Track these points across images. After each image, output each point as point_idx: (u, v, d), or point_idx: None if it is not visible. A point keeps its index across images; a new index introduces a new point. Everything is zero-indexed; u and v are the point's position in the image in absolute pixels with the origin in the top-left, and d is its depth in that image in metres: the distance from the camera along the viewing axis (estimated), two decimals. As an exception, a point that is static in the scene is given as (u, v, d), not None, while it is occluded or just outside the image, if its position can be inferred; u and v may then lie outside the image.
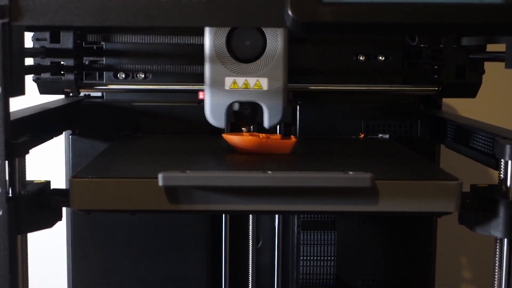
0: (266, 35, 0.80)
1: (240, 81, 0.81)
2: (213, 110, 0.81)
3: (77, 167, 0.91)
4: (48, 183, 0.66)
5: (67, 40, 0.92)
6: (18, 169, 0.61)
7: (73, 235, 0.92)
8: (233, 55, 0.81)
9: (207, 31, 0.80)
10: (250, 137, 0.77)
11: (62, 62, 0.93)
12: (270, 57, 0.81)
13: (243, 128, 0.85)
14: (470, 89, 0.94)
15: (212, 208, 0.63)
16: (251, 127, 0.86)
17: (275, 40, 0.80)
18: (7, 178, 0.59)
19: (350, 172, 0.60)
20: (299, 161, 0.77)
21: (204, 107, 0.82)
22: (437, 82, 0.95)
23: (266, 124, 0.82)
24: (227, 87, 0.81)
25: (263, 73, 0.81)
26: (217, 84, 0.81)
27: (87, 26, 0.59)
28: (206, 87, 0.81)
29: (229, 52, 0.81)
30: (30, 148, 0.64)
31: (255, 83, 0.81)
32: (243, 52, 0.81)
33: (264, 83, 0.81)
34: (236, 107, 0.83)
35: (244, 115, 0.84)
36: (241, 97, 0.81)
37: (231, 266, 0.94)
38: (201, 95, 0.84)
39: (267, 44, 0.80)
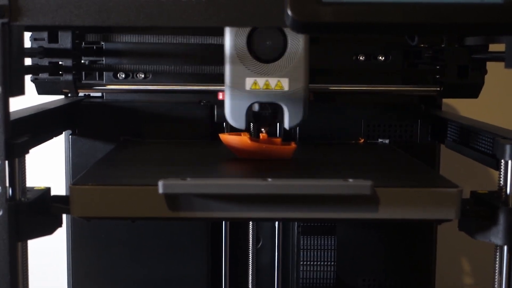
0: (287, 35, 0.79)
1: (261, 81, 0.79)
2: (234, 111, 0.80)
3: (77, 167, 0.91)
4: (48, 189, 0.66)
5: (65, 40, 0.91)
6: (18, 169, 0.61)
7: (73, 236, 0.92)
8: (254, 55, 0.79)
9: (227, 31, 0.79)
10: (250, 142, 0.77)
11: (60, 62, 0.92)
12: (291, 57, 0.79)
13: (262, 129, 0.84)
14: (472, 90, 0.93)
15: (212, 216, 0.63)
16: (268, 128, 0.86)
17: (296, 40, 0.79)
18: (7, 178, 0.60)
19: (350, 180, 0.60)
20: (299, 168, 0.77)
21: (224, 108, 0.81)
22: (439, 82, 0.94)
23: (286, 125, 0.81)
24: (247, 88, 0.80)
25: (284, 73, 0.79)
26: (238, 84, 0.79)
27: (87, 26, 0.58)
28: (226, 88, 0.80)
29: (250, 52, 0.79)
30: (30, 148, 0.64)
31: (276, 83, 0.80)
32: (264, 52, 0.79)
33: (285, 83, 0.80)
34: (256, 108, 0.82)
35: (263, 116, 0.83)
36: (262, 97, 0.80)
37: (231, 267, 0.94)
38: (220, 96, 0.83)
39: (288, 44, 0.79)
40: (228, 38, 0.79)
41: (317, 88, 0.94)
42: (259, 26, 0.78)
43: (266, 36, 0.79)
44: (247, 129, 0.82)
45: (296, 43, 0.79)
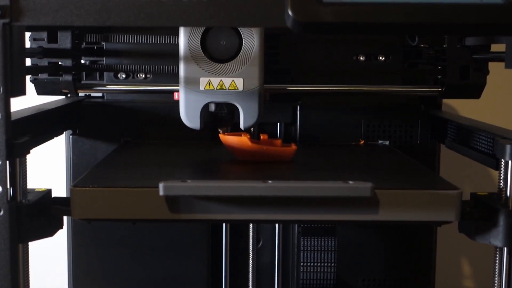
0: (242, 35, 0.79)
1: (215, 81, 0.79)
2: (188, 111, 0.80)
3: (77, 167, 0.91)
4: (49, 191, 0.66)
5: (65, 40, 0.91)
6: (19, 169, 0.61)
7: (74, 237, 0.92)
8: (208, 55, 0.79)
9: (182, 31, 0.79)
10: (250, 143, 0.77)
11: (60, 63, 0.92)
12: (246, 57, 0.79)
13: (219, 130, 0.84)
14: (474, 90, 0.93)
15: (212, 217, 0.63)
16: (228, 128, 0.86)
17: (251, 40, 0.79)
18: (8, 178, 0.60)
19: (350, 182, 0.60)
20: (299, 170, 0.77)
21: (179, 108, 0.81)
22: (440, 83, 0.94)
23: (242, 125, 0.81)
24: (202, 88, 0.80)
25: (239, 73, 0.79)
26: (192, 84, 0.79)
27: (87, 26, 0.59)
28: (180, 88, 0.80)
29: (204, 52, 0.79)
30: (31, 148, 0.64)
31: (230, 83, 0.79)
32: (218, 52, 0.79)
33: (239, 83, 0.79)
34: (212, 108, 0.81)
35: (220, 116, 0.83)
36: (216, 97, 0.80)
37: (232, 267, 0.94)
38: (176, 96, 0.83)
39: (243, 44, 0.79)
40: (182, 38, 0.79)
41: (317, 89, 0.94)
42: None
43: (221, 36, 0.79)
44: (203, 129, 0.82)
45: (251, 43, 0.79)
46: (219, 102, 0.80)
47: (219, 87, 0.79)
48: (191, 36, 0.79)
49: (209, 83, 0.79)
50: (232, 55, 0.79)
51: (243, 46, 0.79)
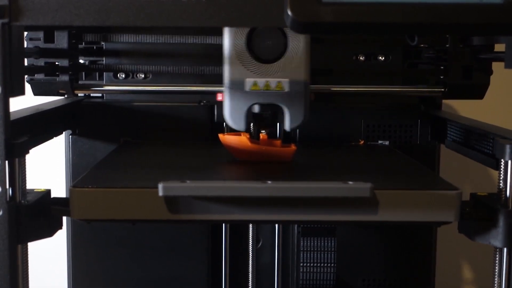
0: (288, 35, 0.78)
1: (261, 82, 0.78)
2: (233, 112, 0.78)
3: (77, 167, 0.91)
4: (48, 192, 0.66)
5: (61, 40, 0.90)
6: (18, 169, 0.61)
7: (73, 237, 0.92)
8: (254, 55, 0.78)
9: (226, 31, 0.78)
10: (249, 143, 0.76)
11: (56, 63, 0.91)
12: (292, 58, 0.78)
13: (262, 131, 0.83)
14: (477, 90, 0.93)
15: (212, 218, 0.63)
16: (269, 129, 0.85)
17: (297, 40, 0.78)
18: (7, 178, 0.60)
19: (350, 182, 0.60)
20: (298, 170, 0.77)
21: (223, 109, 0.80)
22: (442, 83, 0.94)
23: (287, 126, 0.80)
24: (247, 89, 0.79)
25: (285, 74, 0.78)
26: (237, 85, 0.78)
27: (86, 26, 0.59)
28: (225, 89, 0.79)
29: (249, 52, 0.78)
30: (30, 148, 0.64)
31: (277, 84, 0.78)
32: (264, 52, 0.78)
33: (285, 84, 0.78)
34: (256, 109, 0.80)
35: (264, 117, 0.82)
36: (262, 98, 0.78)
37: (232, 267, 0.94)
38: (219, 97, 0.82)
39: (289, 44, 0.78)
40: (227, 38, 0.78)
41: (317, 89, 0.94)
42: (259, 26, 0.77)
43: (266, 36, 0.78)
44: (247, 130, 0.81)
45: (297, 43, 0.78)
46: (265, 103, 0.78)
47: (265, 87, 0.78)
48: (236, 36, 0.78)
49: (255, 84, 0.78)
50: (278, 55, 0.78)
51: (289, 46, 0.78)
